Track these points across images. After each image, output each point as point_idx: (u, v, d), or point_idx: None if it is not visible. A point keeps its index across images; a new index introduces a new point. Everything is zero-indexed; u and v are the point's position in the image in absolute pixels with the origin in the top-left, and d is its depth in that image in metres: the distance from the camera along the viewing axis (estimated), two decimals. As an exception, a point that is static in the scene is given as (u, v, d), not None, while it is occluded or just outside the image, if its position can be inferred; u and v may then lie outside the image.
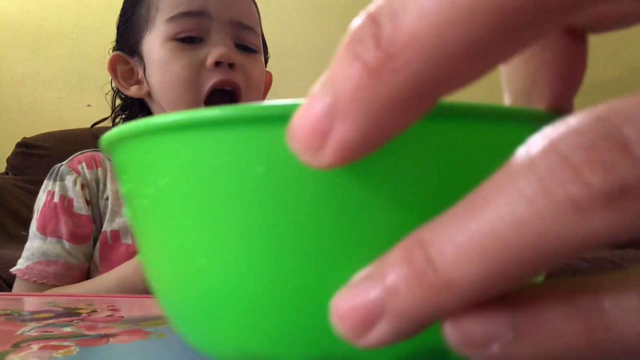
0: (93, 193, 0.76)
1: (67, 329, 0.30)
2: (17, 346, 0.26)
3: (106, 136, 0.16)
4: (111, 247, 0.73)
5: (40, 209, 0.74)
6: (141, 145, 0.15)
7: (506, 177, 0.10)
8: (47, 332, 0.29)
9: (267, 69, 0.85)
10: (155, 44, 0.73)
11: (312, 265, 0.13)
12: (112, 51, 0.78)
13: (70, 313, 0.36)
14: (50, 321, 0.33)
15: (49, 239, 0.72)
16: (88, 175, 0.76)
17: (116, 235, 0.74)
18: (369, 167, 0.12)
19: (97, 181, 0.76)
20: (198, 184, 0.14)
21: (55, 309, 0.38)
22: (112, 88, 0.83)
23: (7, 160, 1.47)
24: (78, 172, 0.76)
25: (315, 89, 0.11)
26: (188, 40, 0.71)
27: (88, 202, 0.74)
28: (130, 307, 0.40)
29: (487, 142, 0.13)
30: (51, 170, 0.77)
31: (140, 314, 0.36)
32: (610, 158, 0.09)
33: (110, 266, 0.70)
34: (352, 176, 0.13)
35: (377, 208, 0.13)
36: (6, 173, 1.45)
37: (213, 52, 0.70)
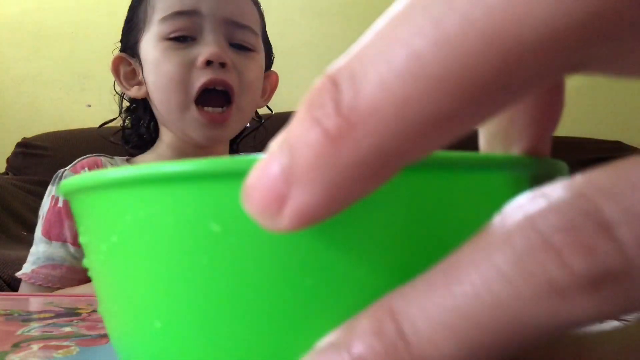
0: None
1: (67, 329, 0.30)
2: (17, 346, 0.26)
3: (62, 185, 0.16)
4: None
5: (44, 213, 0.74)
6: (93, 199, 0.14)
7: (482, 249, 0.10)
8: (47, 332, 0.29)
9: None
10: (150, 43, 0.73)
11: (273, 329, 0.12)
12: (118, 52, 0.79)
13: (70, 313, 0.36)
14: (50, 321, 0.33)
15: (54, 243, 0.72)
16: None
17: None
18: (333, 225, 0.12)
19: None
20: (151, 242, 0.13)
21: (56, 309, 0.38)
22: (117, 92, 0.84)
23: (7, 160, 1.47)
24: None
25: (272, 149, 0.11)
26: (181, 39, 0.71)
27: None
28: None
29: (460, 194, 0.13)
30: (55, 175, 0.77)
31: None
32: (592, 241, 0.09)
33: None
34: (315, 236, 0.12)
35: (343, 268, 0.12)
36: (6, 173, 1.45)
37: (204, 52, 0.70)
